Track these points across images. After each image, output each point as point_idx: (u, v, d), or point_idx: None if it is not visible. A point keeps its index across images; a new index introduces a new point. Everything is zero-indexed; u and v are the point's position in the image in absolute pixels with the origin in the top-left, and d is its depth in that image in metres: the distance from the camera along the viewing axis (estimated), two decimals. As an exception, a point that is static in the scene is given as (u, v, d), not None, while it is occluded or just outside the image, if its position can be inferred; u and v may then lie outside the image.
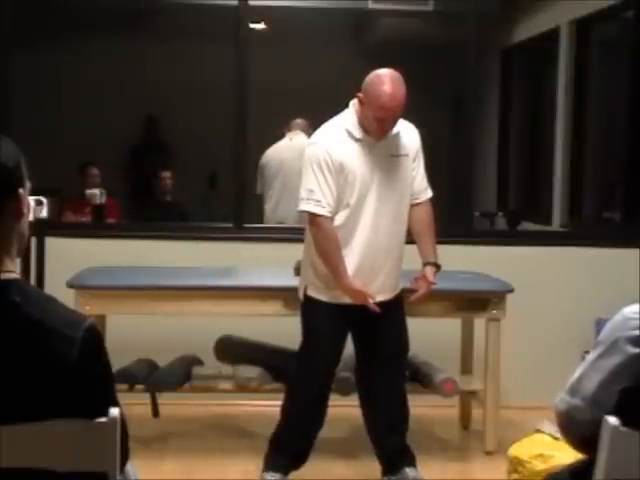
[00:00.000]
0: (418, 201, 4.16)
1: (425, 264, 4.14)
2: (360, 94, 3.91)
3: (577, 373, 2.14)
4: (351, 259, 3.99)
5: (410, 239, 4.17)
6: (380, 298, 4.04)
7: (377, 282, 4.05)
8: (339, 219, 3.96)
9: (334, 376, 4.27)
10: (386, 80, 3.84)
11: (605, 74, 7.56)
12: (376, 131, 3.92)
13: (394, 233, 4.04)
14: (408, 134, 4.10)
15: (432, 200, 4.27)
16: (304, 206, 3.94)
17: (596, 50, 7.56)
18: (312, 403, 4.17)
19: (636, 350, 2.00)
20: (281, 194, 6.61)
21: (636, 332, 2.00)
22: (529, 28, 8.61)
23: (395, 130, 4.01)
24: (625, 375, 2.00)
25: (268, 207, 6.73)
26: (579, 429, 2.12)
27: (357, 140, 3.96)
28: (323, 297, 4.06)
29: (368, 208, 3.98)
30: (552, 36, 7.80)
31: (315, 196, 3.89)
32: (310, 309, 4.11)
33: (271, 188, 6.70)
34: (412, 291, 4.18)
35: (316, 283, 4.07)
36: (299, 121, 6.71)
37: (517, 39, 9.00)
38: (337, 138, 3.95)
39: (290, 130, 6.73)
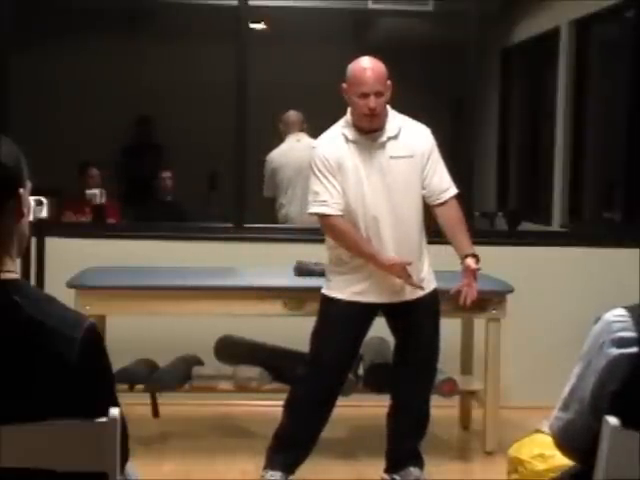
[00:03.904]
0: (440, 201, 4.14)
1: (464, 257, 4.11)
2: (344, 84, 4.00)
3: (567, 388, 2.14)
4: (347, 255, 4.02)
5: (444, 240, 4.17)
6: (395, 299, 4.06)
7: (381, 282, 4.04)
8: None
9: (346, 375, 4.26)
10: (363, 59, 4.02)
11: (605, 74, 7.56)
12: (365, 115, 3.94)
13: (400, 235, 4.03)
14: (414, 135, 4.10)
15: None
16: (312, 209, 4.03)
17: (596, 50, 7.56)
18: (319, 405, 4.16)
19: (620, 351, 2.00)
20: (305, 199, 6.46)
21: (619, 334, 2.01)
22: (529, 28, 8.61)
23: (394, 131, 4.02)
24: (614, 377, 2.00)
25: (290, 211, 6.52)
26: (579, 443, 2.12)
27: (352, 142, 3.99)
28: (340, 295, 4.07)
29: (366, 210, 3.98)
30: (552, 36, 7.80)
31: (320, 197, 3.97)
32: (324, 309, 4.13)
33: (290, 193, 6.53)
34: (456, 294, 4.14)
35: (334, 281, 4.09)
36: (294, 118, 6.52)
37: (517, 39, 9.00)
38: (334, 141, 4.02)
39: (287, 127, 6.59)
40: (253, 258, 5.52)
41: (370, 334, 4.65)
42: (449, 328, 5.09)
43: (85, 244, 5.51)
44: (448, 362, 5.01)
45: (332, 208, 3.96)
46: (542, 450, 3.87)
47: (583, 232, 7.05)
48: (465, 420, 5.29)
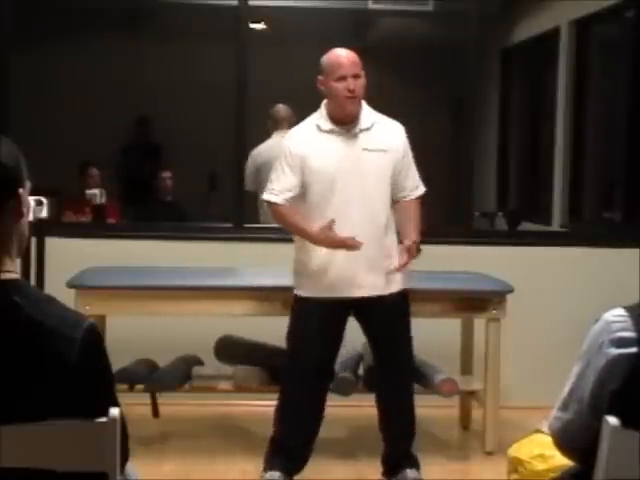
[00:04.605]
0: (408, 199, 4.18)
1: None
2: (320, 77, 4.07)
3: (566, 388, 2.14)
4: (316, 247, 4.03)
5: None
6: (361, 294, 4.06)
7: (349, 275, 4.05)
8: (307, 210, 4.05)
9: (329, 375, 4.27)
10: (336, 49, 4.11)
11: (605, 74, 7.56)
12: (346, 98, 3.99)
13: (369, 227, 4.04)
14: (388, 131, 4.14)
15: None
16: (263, 196, 4.17)
17: (596, 50, 7.56)
18: (303, 405, 4.17)
19: (620, 351, 2.00)
20: None
21: (618, 334, 2.01)
22: (529, 28, 8.62)
23: (367, 124, 4.07)
24: (613, 377, 2.00)
25: None
26: (579, 443, 2.12)
27: (326, 132, 4.06)
28: (310, 293, 4.10)
29: (336, 200, 4.01)
30: (552, 36, 7.80)
31: (272, 186, 4.10)
32: (297, 310, 4.16)
33: None
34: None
35: (301, 280, 4.12)
36: (283, 114, 6.34)
37: (517, 39, 9.00)
38: (304, 132, 4.12)
39: (276, 123, 6.46)
40: (253, 258, 5.52)
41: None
42: (449, 328, 5.10)
43: (85, 244, 5.50)
44: (448, 362, 5.02)
45: (277, 197, 4.06)
46: (542, 450, 3.87)
47: (583, 232, 7.05)
48: (465, 420, 5.29)
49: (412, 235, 4.08)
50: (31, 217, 3.26)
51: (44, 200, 4.34)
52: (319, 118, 4.10)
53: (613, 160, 7.37)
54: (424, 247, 5.38)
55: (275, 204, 4.08)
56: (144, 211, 7.74)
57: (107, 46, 8.83)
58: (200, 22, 8.51)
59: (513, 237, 6.43)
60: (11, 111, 5.76)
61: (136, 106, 9.12)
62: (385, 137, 4.10)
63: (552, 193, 7.80)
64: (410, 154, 4.19)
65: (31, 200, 2.04)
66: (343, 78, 3.99)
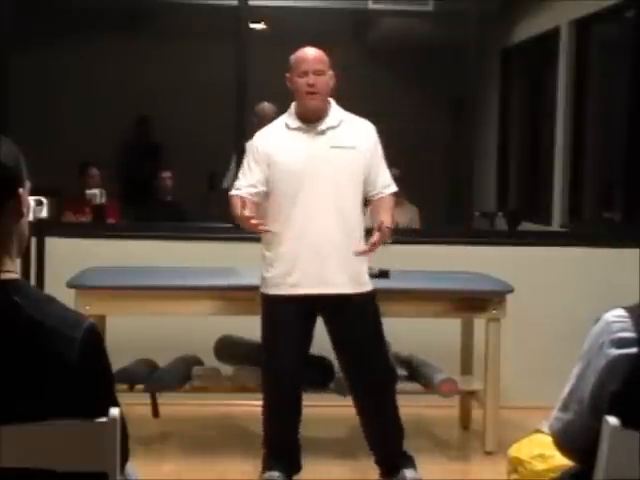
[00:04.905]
0: (380, 196, 4.18)
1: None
2: (287, 74, 4.15)
3: (566, 389, 2.14)
4: (281, 244, 4.05)
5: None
6: (328, 291, 4.05)
7: (315, 272, 4.04)
8: (272, 206, 4.07)
9: (301, 372, 4.20)
10: (304, 48, 4.18)
11: (605, 74, 7.56)
12: (306, 94, 4.03)
13: (336, 224, 4.04)
14: (358, 129, 4.15)
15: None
16: (231, 191, 4.19)
17: (596, 50, 7.56)
18: (281, 403, 4.18)
19: (620, 351, 2.00)
20: None
21: (619, 334, 2.01)
22: (529, 28, 8.61)
23: (335, 122, 4.09)
24: (614, 377, 2.00)
25: None
26: (579, 444, 2.12)
27: (293, 130, 4.09)
28: (277, 290, 4.09)
29: (302, 196, 4.02)
30: (552, 36, 7.80)
31: (237, 182, 4.15)
32: (265, 309, 4.16)
33: None
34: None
35: (268, 278, 4.12)
36: (269, 111, 6.26)
37: (517, 39, 9.00)
38: (272, 130, 4.18)
39: (261, 120, 6.33)
40: (253, 258, 5.49)
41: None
42: (449, 328, 5.10)
43: (85, 244, 5.50)
44: (448, 362, 5.02)
45: (239, 191, 4.09)
46: (542, 450, 3.87)
47: (583, 232, 7.05)
48: (465, 420, 5.29)
49: (386, 218, 4.05)
50: (31, 217, 3.26)
51: (44, 200, 4.35)
52: (288, 116, 4.16)
53: (613, 160, 7.37)
54: (424, 247, 5.40)
55: (230, 196, 4.12)
56: (144, 211, 7.73)
57: (107, 46, 8.83)
58: (200, 22, 8.50)
59: (513, 237, 6.43)
60: (11, 111, 5.76)
61: (136, 106, 9.12)
62: (354, 135, 4.11)
63: (552, 193, 7.80)
64: (381, 153, 4.19)
65: (31, 200, 2.04)
66: (305, 73, 4.04)
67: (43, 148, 6.52)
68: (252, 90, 5.82)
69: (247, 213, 3.88)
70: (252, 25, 6.47)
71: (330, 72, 4.08)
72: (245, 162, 4.16)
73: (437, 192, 7.80)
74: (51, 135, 8.60)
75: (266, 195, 4.09)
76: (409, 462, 4.24)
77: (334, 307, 4.10)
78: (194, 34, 8.87)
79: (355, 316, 4.11)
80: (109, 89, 9.00)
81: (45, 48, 8.65)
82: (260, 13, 7.42)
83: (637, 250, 5.37)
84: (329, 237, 4.02)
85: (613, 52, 7.40)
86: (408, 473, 4.20)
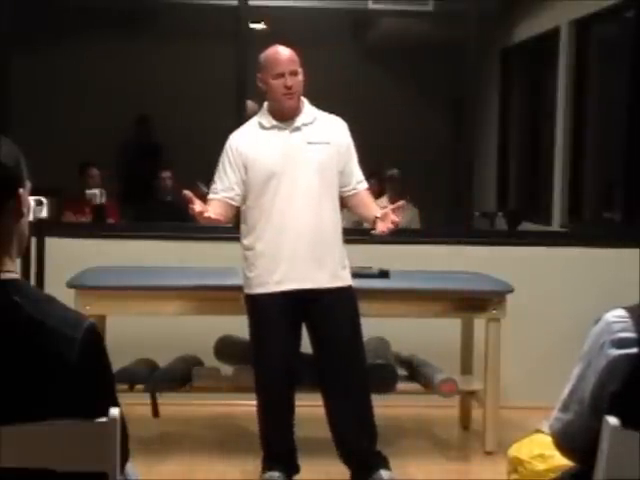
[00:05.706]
0: (355, 192, 4.21)
1: (375, 217, 4.08)
2: (258, 74, 4.13)
3: (566, 389, 2.14)
4: (262, 242, 4.06)
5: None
6: (307, 286, 4.05)
7: (297, 267, 4.05)
8: (249, 203, 4.10)
9: (293, 370, 4.17)
10: (273, 46, 4.13)
11: (605, 74, 7.56)
12: (283, 95, 4.04)
13: (315, 220, 4.06)
14: (331, 126, 4.19)
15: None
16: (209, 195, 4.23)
17: (596, 50, 7.56)
18: (274, 402, 4.18)
19: (620, 352, 2.00)
20: None
21: (619, 335, 2.01)
22: (529, 28, 8.61)
23: (309, 118, 4.12)
24: (614, 378, 2.00)
25: None
26: (579, 444, 2.12)
27: (267, 128, 4.12)
28: (261, 289, 4.09)
29: (278, 193, 4.05)
30: (552, 36, 7.80)
31: (214, 185, 4.19)
32: (251, 309, 4.17)
33: None
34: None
35: (251, 277, 4.12)
36: (252, 108, 6.27)
37: (517, 39, 9.00)
38: (246, 130, 4.22)
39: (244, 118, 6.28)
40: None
41: (370, 334, 4.65)
42: (449, 328, 5.10)
43: (85, 244, 5.51)
44: (448, 362, 5.02)
45: (217, 195, 4.15)
46: (542, 450, 3.87)
47: (583, 232, 7.05)
48: (465, 420, 5.29)
49: (377, 210, 4.14)
50: (31, 217, 3.25)
51: (44, 200, 4.34)
52: (261, 116, 4.18)
53: (613, 160, 7.37)
54: (424, 247, 5.40)
55: (208, 200, 4.15)
56: (144, 211, 7.73)
57: (107, 46, 8.83)
58: (200, 22, 8.50)
59: (513, 237, 6.43)
60: (11, 111, 5.76)
61: (136, 106, 9.11)
62: (328, 131, 4.15)
63: (552, 193, 7.80)
64: (353, 149, 4.23)
65: (31, 200, 2.04)
66: (281, 75, 4.04)
67: (43, 148, 6.51)
68: (252, 90, 5.82)
69: (198, 208, 3.94)
70: (252, 25, 6.47)
71: (301, 69, 4.11)
72: (220, 165, 4.19)
73: (437, 192, 7.82)
74: (51, 135, 8.59)
75: (244, 196, 4.12)
76: (384, 462, 4.18)
77: (312, 302, 4.10)
78: (194, 34, 8.87)
79: (331, 309, 4.10)
80: (109, 89, 9.00)
81: (45, 48, 8.65)
82: (260, 13, 7.42)
83: (637, 250, 5.37)
84: (308, 232, 4.05)
85: (613, 52, 7.40)
86: (384, 474, 4.13)
